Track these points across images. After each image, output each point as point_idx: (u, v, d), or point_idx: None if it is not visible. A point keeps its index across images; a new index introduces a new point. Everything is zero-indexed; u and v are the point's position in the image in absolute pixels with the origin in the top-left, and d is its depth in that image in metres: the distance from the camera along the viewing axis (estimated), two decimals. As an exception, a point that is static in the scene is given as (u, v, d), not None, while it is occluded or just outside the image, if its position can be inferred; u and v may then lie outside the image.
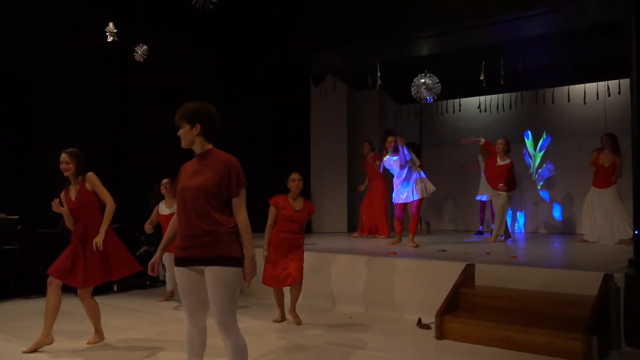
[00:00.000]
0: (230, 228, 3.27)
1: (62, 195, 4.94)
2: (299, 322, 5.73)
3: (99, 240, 4.78)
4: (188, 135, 3.35)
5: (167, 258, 6.70)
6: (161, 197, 7.08)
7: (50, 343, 4.79)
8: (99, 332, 5.02)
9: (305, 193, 5.89)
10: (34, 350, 4.67)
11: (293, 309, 5.77)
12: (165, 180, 7.00)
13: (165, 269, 7.32)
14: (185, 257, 3.28)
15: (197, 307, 3.32)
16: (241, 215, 3.30)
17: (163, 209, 6.95)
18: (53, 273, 4.79)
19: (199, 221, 3.22)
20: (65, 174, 4.91)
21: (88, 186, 4.89)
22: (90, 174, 4.92)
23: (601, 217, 7.92)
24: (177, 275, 3.34)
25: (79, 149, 5.00)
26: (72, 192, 4.90)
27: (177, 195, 3.35)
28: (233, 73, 9.78)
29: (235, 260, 3.24)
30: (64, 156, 4.90)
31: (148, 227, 6.89)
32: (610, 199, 7.86)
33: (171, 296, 7.07)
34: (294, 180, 5.53)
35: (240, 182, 3.30)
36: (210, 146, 3.39)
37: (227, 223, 3.27)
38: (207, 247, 3.22)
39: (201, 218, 3.22)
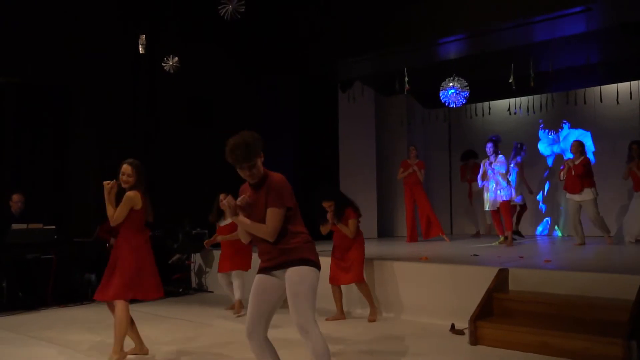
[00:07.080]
0: (302, 239, 3.39)
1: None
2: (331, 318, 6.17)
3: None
4: (259, 167, 3.36)
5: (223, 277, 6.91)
6: (221, 213, 6.55)
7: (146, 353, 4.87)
8: (116, 349, 4.63)
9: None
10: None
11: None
12: (222, 196, 6.84)
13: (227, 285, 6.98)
14: (265, 267, 3.43)
15: (264, 310, 3.36)
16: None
17: (222, 221, 6.80)
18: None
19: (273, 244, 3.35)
20: (124, 185, 4.57)
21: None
22: (128, 193, 4.55)
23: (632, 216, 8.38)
24: (256, 280, 3.45)
25: (140, 162, 4.72)
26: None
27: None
28: (260, 82, 9.86)
29: (311, 262, 3.36)
30: (126, 167, 4.59)
31: (207, 244, 6.93)
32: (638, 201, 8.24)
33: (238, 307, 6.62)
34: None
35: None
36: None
37: (298, 236, 3.38)
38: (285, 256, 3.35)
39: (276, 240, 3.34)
